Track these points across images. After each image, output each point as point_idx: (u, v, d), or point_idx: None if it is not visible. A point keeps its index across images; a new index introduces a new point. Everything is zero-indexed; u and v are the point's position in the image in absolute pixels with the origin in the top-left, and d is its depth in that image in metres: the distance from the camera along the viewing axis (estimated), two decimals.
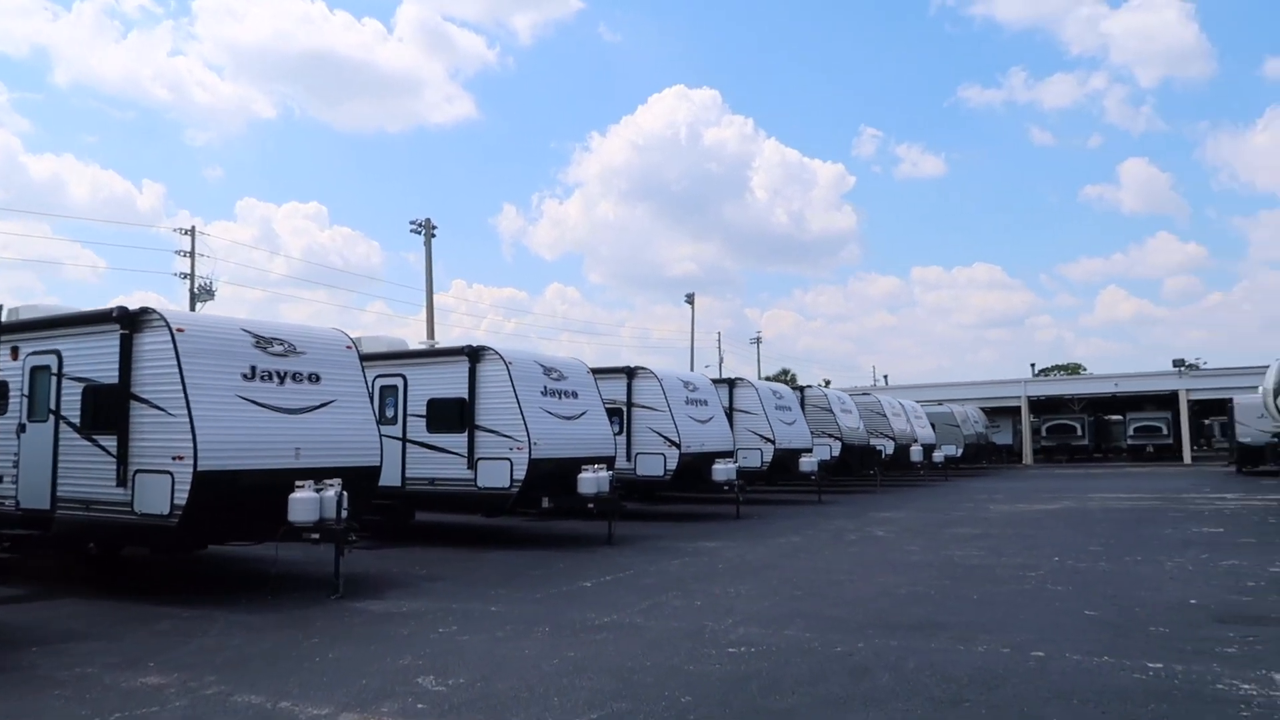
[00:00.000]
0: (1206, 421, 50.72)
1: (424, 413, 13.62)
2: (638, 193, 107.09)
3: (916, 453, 30.55)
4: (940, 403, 39.96)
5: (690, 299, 60.63)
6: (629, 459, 17.43)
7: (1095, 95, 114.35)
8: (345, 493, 9.17)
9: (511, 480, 12.72)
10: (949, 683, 5.69)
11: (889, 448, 29.44)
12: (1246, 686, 5.51)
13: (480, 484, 12.93)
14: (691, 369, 45.61)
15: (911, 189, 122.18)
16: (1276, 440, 29.65)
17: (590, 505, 13.39)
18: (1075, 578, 9.68)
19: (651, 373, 18.00)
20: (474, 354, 13.38)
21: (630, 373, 18.07)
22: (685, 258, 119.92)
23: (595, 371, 16.08)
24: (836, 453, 25.66)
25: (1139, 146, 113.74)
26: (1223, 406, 48.81)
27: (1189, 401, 46.79)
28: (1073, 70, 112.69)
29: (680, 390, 18.34)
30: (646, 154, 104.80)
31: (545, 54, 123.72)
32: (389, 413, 13.74)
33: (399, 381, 13.93)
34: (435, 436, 13.43)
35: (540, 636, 7.17)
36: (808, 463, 22.08)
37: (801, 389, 26.40)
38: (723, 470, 17.87)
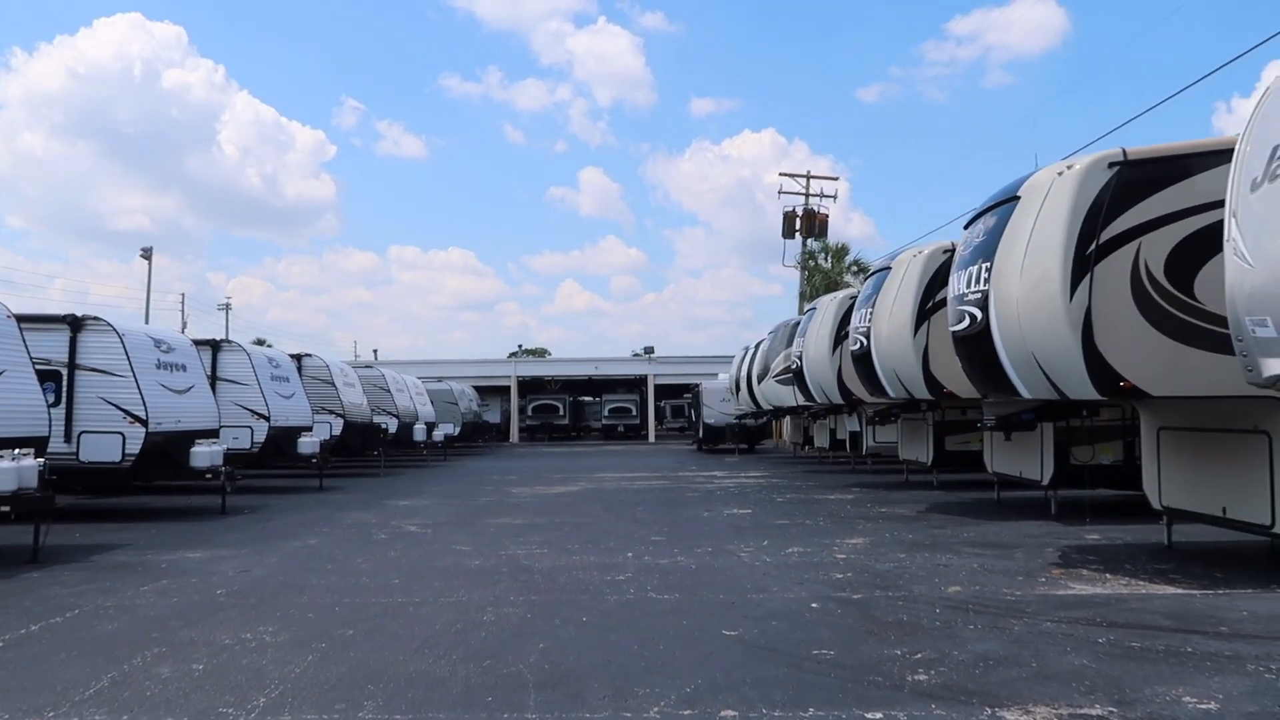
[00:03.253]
0: (660, 404, 56.27)
1: None
2: (76, 128, 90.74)
3: (420, 431, 28.57)
4: (440, 379, 38.56)
5: (147, 254, 51.66)
6: (68, 439, 12.83)
7: (562, 105, 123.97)
8: None
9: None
10: None
11: (392, 426, 27.03)
12: None
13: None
14: None
15: (393, 167, 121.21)
16: (738, 422, 33.11)
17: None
18: (671, 580, 8.32)
19: (108, 325, 13.48)
20: (76, 323, 13.16)
21: (75, 324, 13.35)
22: (136, 209, 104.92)
23: (21, 320, 11.44)
24: (338, 431, 22.60)
25: (596, 157, 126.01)
26: (677, 390, 55.00)
27: (655, 386, 51.35)
28: (544, 78, 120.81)
29: (149, 350, 14.03)
30: (90, 85, 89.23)
31: None
32: None
33: None
34: None
35: None
36: (308, 443, 18.86)
37: (299, 357, 22.80)
38: (205, 454, 14.06)
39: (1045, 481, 12.13)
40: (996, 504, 14.09)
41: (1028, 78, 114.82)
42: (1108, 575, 8.17)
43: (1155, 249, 7.47)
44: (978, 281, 8.45)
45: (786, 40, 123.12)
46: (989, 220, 8.55)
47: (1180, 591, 7.47)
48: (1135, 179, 7.53)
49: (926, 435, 16.59)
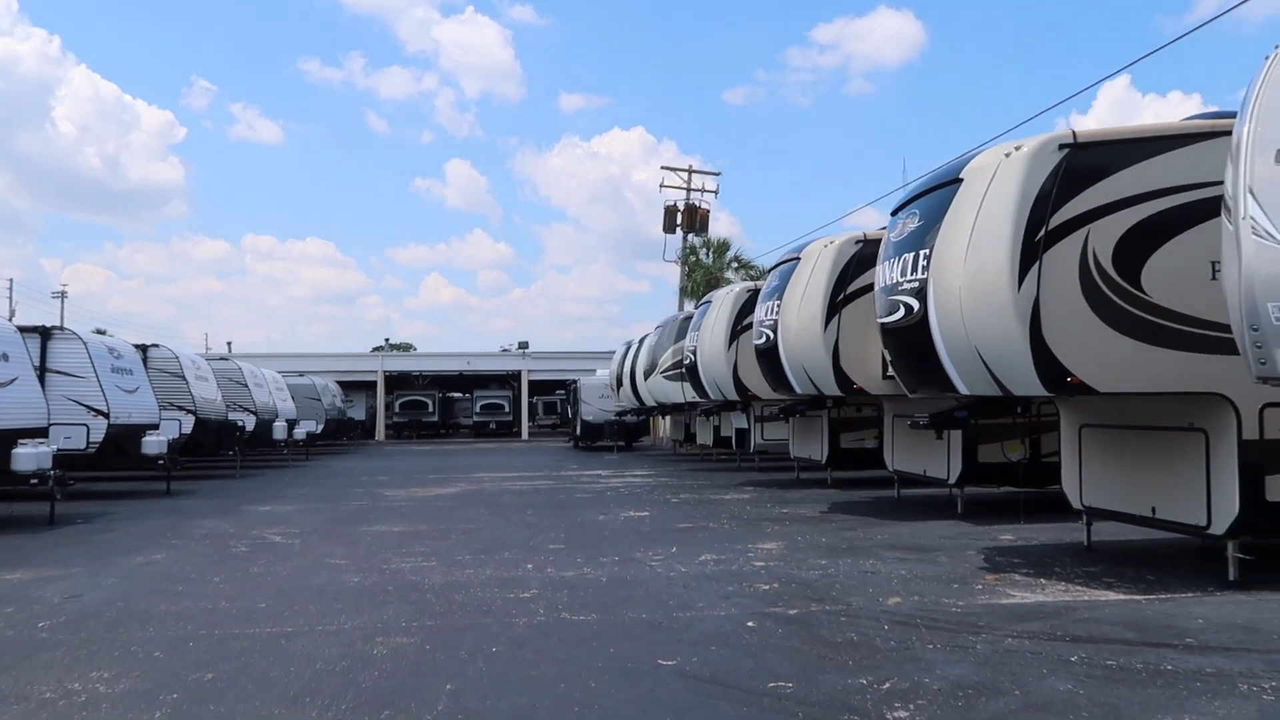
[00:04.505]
0: (533, 400, 55.04)
1: None
2: None
3: (280, 429, 26.61)
4: (302, 374, 36.29)
5: None
6: None
7: (428, 94, 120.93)
8: None
9: None
10: None
11: (250, 423, 25.01)
12: None
13: None
14: None
15: (248, 152, 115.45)
16: (618, 419, 32.40)
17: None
18: (583, 597, 7.43)
19: None
20: None
21: None
22: None
23: None
24: (189, 429, 20.61)
25: (463, 149, 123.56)
26: (550, 386, 53.90)
27: (529, 382, 50.13)
28: (409, 66, 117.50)
29: None
30: None
31: None
32: None
33: None
34: None
35: None
36: (154, 442, 16.99)
37: (144, 348, 20.67)
38: (30, 455, 12.28)
39: (953, 480, 11.84)
40: (897, 503, 13.79)
41: (886, 87, 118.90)
42: (1042, 580, 7.77)
43: (1103, 238, 7.07)
44: (914, 270, 7.91)
45: (655, 40, 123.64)
46: (927, 204, 8.02)
47: (1123, 598, 7.10)
48: (1084, 163, 7.12)
49: (822, 432, 16.24)
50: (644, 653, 5.69)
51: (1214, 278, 7.15)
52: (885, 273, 8.53)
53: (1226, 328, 7.14)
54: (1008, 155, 7.27)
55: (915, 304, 7.87)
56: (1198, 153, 7.18)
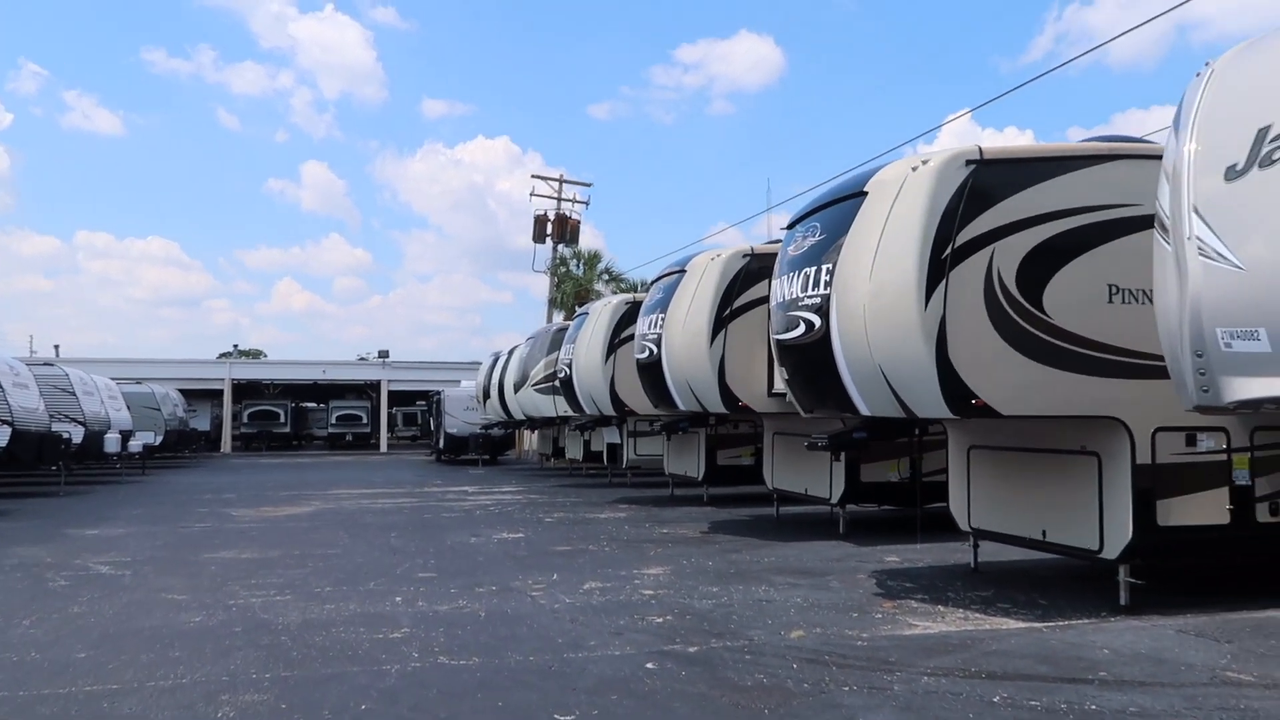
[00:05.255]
0: (392, 411, 53.11)
1: None
2: None
3: (113, 441, 24.44)
4: (139, 381, 33.66)
5: None
6: None
7: (284, 92, 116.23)
8: None
9: None
10: None
11: (78, 435, 22.79)
12: None
13: None
14: None
15: (83, 143, 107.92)
16: (483, 432, 31.43)
17: None
18: (461, 636, 6.72)
19: None
20: None
21: None
22: None
23: None
24: (5, 441, 18.49)
25: (320, 151, 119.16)
26: (411, 397, 52.14)
27: (389, 392, 48.31)
28: (263, 62, 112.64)
29: None
30: None
31: None
32: None
33: None
34: None
35: None
36: None
37: None
38: None
39: (835, 500, 11.68)
40: (777, 522, 13.58)
41: (747, 109, 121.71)
42: (940, 607, 7.56)
43: (1007, 257, 6.92)
44: (816, 285, 7.59)
45: (521, 51, 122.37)
46: (828, 217, 7.73)
47: (1023, 625, 6.94)
48: (989, 179, 6.96)
49: (698, 449, 15.93)
50: (537, 706, 5.06)
51: (1110, 301, 7.15)
52: (783, 287, 8.20)
53: (1123, 351, 7.15)
54: (914, 169, 7.04)
55: (816, 320, 7.55)
56: (1098, 174, 7.15)
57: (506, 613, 7.49)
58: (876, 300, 7.06)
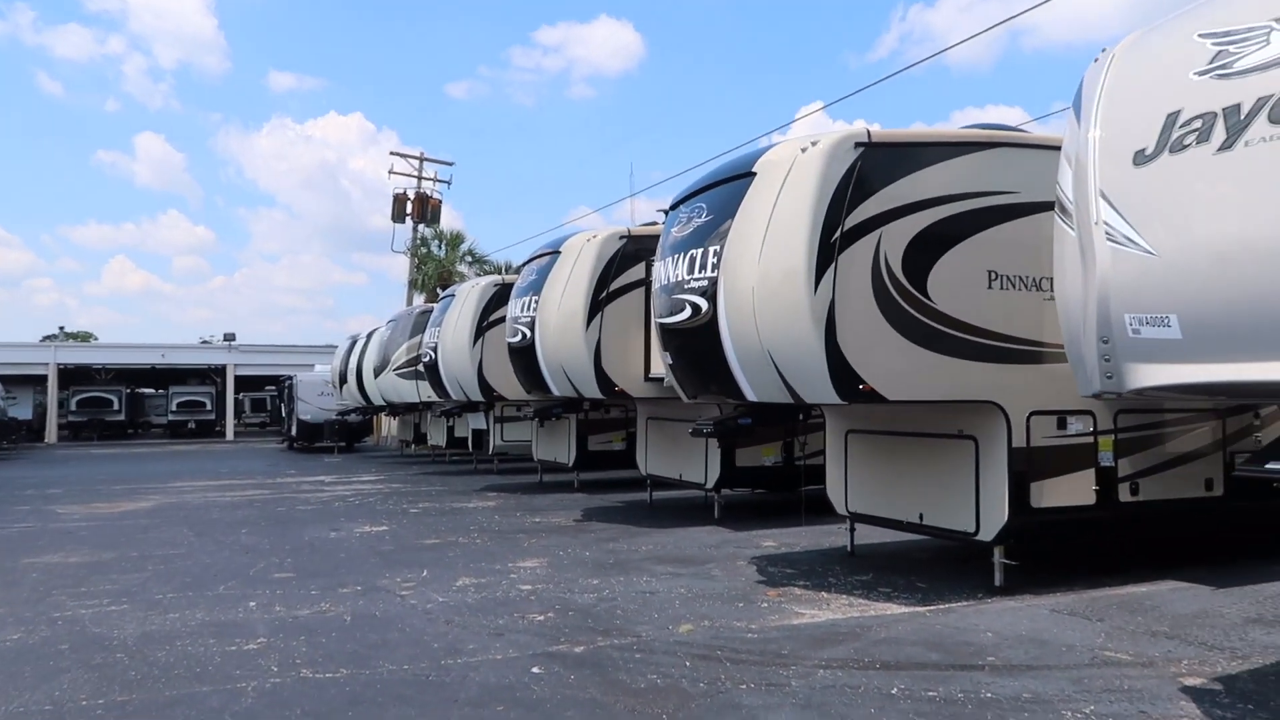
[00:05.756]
0: (239, 397, 50.45)
1: None
2: None
3: None
4: None
5: None
6: None
7: (114, 59, 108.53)
8: None
9: None
10: None
11: None
12: None
13: None
14: None
15: None
16: (340, 418, 30.13)
17: None
18: (326, 644, 6.18)
19: None
20: None
21: None
22: None
23: None
24: None
25: (156, 122, 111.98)
26: (259, 382, 49.58)
27: (236, 377, 45.81)
28: (90, 26, 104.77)
29: None
30: None
31: None
32: None
33: None
34: None
35: None
36: None
37: None
38: None
39: (710, 485, 11.58)
40: (651, 508, 13.41)
41: (608, 94, 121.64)
42: (823, 594, 7.50)
43: (894, 242, 6.87)
44: (703, 268, 7.36)
45: (375, 24, 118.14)
46: (715, 198, 7.51)
47: (907, 610, 6.95)
48: (877, 163, 6.88)
49: (569, 434, 15.58)
50: None
51: (990, 287, 7.21)
52: (667, 270, 7.94)
53: (1001, 336, 7.23)
54: (803, 150, 6.89)
55: (703, 304, 7.33)
56: (980, 161, 7.18)
57: (375, 616, 6.97)
58: (765, 284, 6.88)
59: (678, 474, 12.32)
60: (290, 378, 33.93)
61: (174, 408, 47.12)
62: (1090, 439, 7.62)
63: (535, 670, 5.50)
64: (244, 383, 48.22)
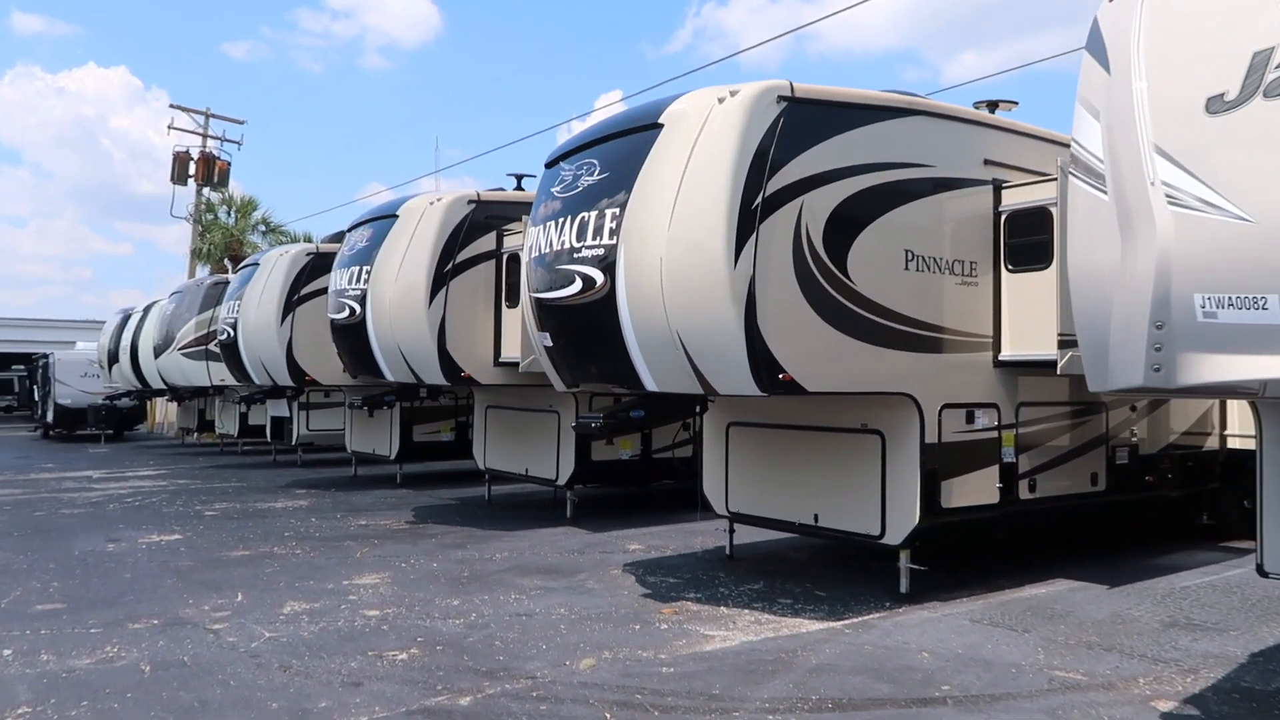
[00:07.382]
0: None
1: None
2: None
3: None
4: None
5: None
6: None
7: None
8: None
9: None
10: None
11: None
12: None
13: None
14: None
15: None
16: (108, 403, 26.70)
17: None
18: (119, 712, 4.67)
19: None
20: None
21: None
22: None
23: None
24: None
25: None
26: (6, 360, 43.60)
27: None
28: None
29: None
30: None
31: None
32: None
33: None
34: None
35: None
36: None
37: None
38: None
39: (563, 481, 10.53)
40: (490, 505, 12.19)
41: (404, 67, 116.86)
42: (722, 609, 6.66)
43: (815, 213, 6.10)
44: (598, 234, 6.28)
45: None
46: (612, 153, 6.44)
47: (821, 626, 6.21)
48: (800, 120, 6.07)
49: (391, 424, 14.05)
50: None
51: (906, 268, 6.59)
52: (546, 236, 6.80)
53: (917, 323, 6.64)
54: (721, 100, 5.97)
55: (598, 276, 6.26)
56: (900, 128, 6.54)
57: (183, 663, 5.46)
58: (676, 255, 5.92)
59: (523, 469, 11.18)
60: (46, 356, 29.73)
61: None
62: (995, 434, 7.20)
63: None
64: None
